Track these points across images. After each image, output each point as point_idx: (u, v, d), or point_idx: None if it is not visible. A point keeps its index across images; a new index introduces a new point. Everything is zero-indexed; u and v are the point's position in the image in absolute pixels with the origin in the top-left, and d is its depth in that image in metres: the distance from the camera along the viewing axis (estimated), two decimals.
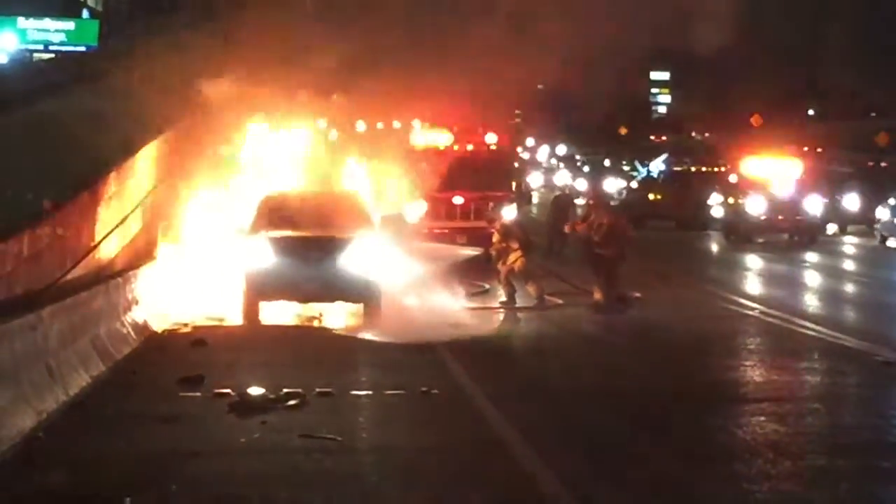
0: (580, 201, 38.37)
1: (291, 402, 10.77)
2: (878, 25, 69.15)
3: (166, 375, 12.14)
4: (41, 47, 44.37)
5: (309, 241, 16.75)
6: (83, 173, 15.35)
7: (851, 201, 40.88)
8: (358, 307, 16.71)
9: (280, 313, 17.03)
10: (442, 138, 26.57)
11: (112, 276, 14.44)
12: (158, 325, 15.46)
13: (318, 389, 11.29)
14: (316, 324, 16.80)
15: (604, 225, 18.50)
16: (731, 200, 37.90)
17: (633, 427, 10.29)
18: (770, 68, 72.07)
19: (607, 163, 75.65)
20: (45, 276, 12.75)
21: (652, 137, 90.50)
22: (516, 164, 30.91)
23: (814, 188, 36.85)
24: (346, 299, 16.73)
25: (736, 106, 69.42)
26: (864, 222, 39.30)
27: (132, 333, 13.94)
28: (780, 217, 34.29)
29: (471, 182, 25.39)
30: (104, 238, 15.54)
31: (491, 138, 26.67)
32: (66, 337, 11.05)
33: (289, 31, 22.22)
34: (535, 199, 50.14)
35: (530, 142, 78.40)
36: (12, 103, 16.98)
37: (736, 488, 8.28)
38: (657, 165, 57.90)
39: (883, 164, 45.94)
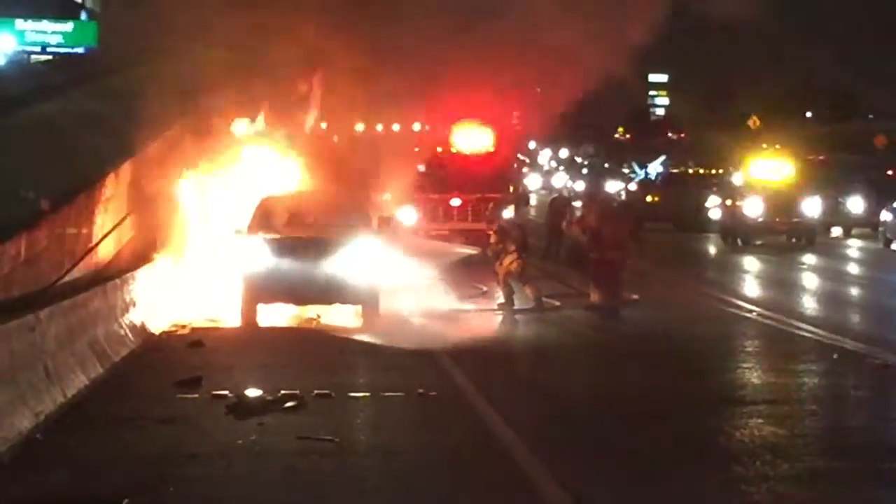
0: (578, 203, 38.34)
1: (289, 404, 10.75)
2: (877, 25, 69.26)
3: (164, 377, 12.14)
4: (39, 49, 44.39)
5: (307, 243, 16.73)
6: (81, 175, 15.34)
7: (856, 204, 40.70)
8: (356, 309, 16.70)
9: (278, 315, 17.03)
10: (440, 140, 26.59)
11: (110, 277, 14.40)
12: (156, 327, 15.44)
13: (315, 391, 11.29)
14: (314, 325, 16.80)
15: (593, 227, 18.49)
16: (728, 202, 37.82)
17: (631, 429, 10.29)
18: (769, 70, 72.16)
19: (606, 165, 75.69)
20: (43, 277, 12.76)
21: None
22: (514, 166, 30.89)
23: (813, 190, 36.71)
24: (345, 301, 16.71)
25: (734, 108, 69.48)
26: (868, 225, 39.14)
27: (130, 335, 13.93)
28: (777, 219, 34.24)
29: (468, 184, 25.41)
30: (102, 239, 15.54)
31: (489, 140, 26.66)
32: (63, 338, 11.03)
33: (289, 31, 22.20)
34: (534, 201, 50.14)
35: (531, 144, 78.40)
36: (10, 105, 16.98)
37: (734, 490, 8.28)
38: (655, 167, 57.87)
39: (889, 172, 45.58)
